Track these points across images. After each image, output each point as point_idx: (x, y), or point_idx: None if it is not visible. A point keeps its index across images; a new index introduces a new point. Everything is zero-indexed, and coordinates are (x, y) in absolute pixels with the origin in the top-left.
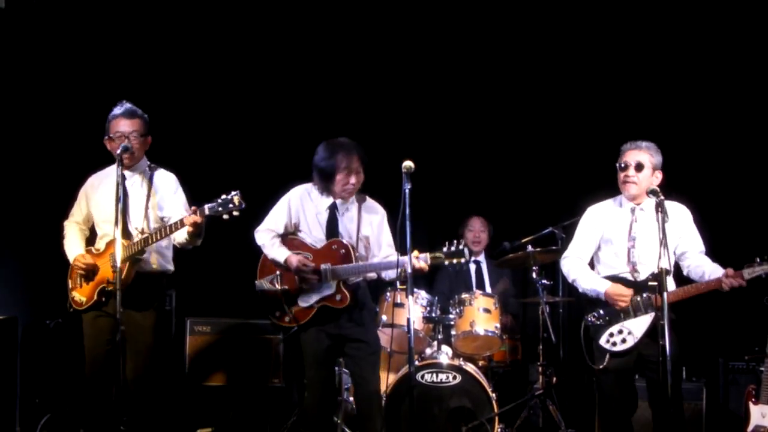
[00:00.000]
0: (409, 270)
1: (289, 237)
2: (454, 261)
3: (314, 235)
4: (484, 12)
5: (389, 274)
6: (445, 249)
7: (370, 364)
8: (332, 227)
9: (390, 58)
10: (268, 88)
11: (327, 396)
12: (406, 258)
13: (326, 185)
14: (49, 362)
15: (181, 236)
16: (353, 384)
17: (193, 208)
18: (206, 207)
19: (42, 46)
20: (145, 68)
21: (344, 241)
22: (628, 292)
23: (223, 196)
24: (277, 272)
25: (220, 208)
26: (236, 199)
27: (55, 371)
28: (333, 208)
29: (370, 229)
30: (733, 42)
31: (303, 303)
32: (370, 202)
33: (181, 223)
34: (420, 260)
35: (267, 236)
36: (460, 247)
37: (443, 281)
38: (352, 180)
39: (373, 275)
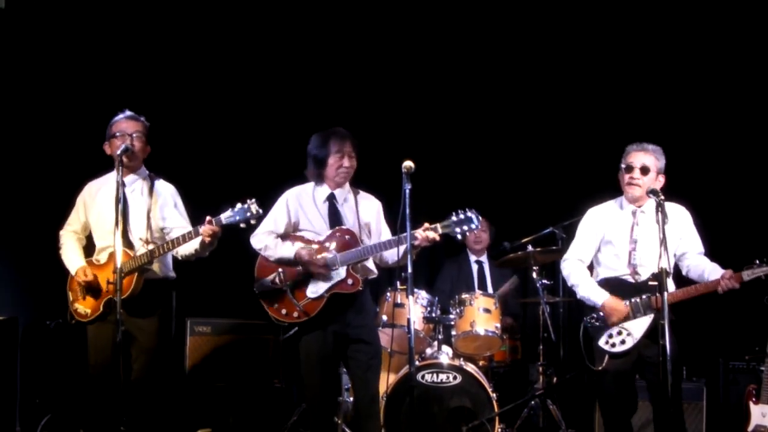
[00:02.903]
0: (416, 242)
1: (291, 235)
2: (465, 228)
3: (317, 229)
4: (484, 14)
5: (394, 257)
6: (454, 217)
7: (372, 367)
8: (334, 216)
9: (390, 58)
10: (265, 90)
11: (330, 397)
12: (416, 231)
13: (320, 172)
14: (49, 362)
15: (189, 248)
16: (353, 385)
17: (208, 218)
18: (222, 217)
19: (42, 46)
20: (143, 70)
21: (347, 227)
22: (624, 310)
23: (239, 205)
24: (279, 270)
25: (237, 217)
26: (254, 208)
27: (55, 371)
28: (331, 198)
29: (370, 216)
30: (733, 43)
31: (312, 294)
32: (364, 193)
33: (195, 233)
34: (431, 231)
35: (268, 238)
36: (469, 214)
37: (445, 281)
38: (345, 163)
39: (375, 274)
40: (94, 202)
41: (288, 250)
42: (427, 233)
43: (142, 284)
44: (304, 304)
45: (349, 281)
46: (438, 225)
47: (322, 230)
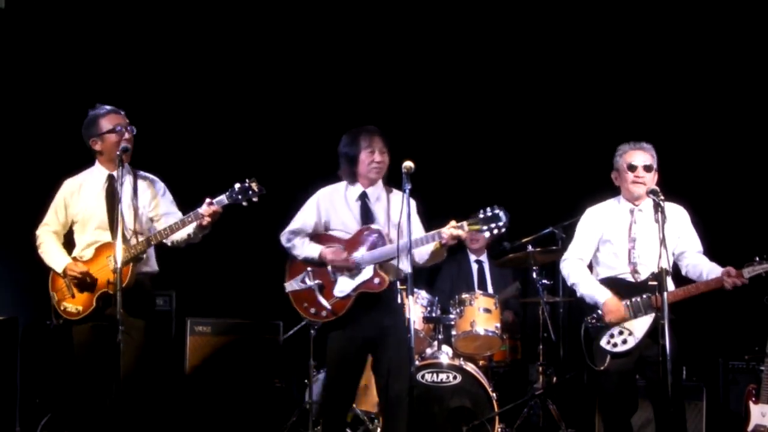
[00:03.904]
0: (443, 240)
1: (319, 235)
2: (492, 225)
3: (348, 228)
4: (484, 18)
5: (423, 256)
6: (481, 215)
7: (401, 368)
8: (366, 215)
9: (390, 58)
10: (268, 90)
11: (347, 397)
12: (442, 229)
13: (353, 169)
14: (49, 362)
15: (182, 234)
16: (380, 384)
17: (208, 200)
18: (224, 197)
19: (42, 46)
20: (147, 66)
21: (374, 226)
22: (624, 312)
23: (238, 185)
24: (308, 269)
25: (239, 196)
26: (254, 185)
27: (55, 371)
28: (363, 197)
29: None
30: (732, 42)
31: (340, 293)
32: (398, 192)
33: (196, 216)
34: (457, 229)
35: (296, 237)
36: (496, 211)
37: (445, 280)
38: (377, 158)
39: (408, 270)
40: (79, 198)
41: (313, 249)
42: (452, 231)
43: (135, 276)
44: (333, 303)
45: (376, 280)
46: (465, 223)
47: (353, 230)
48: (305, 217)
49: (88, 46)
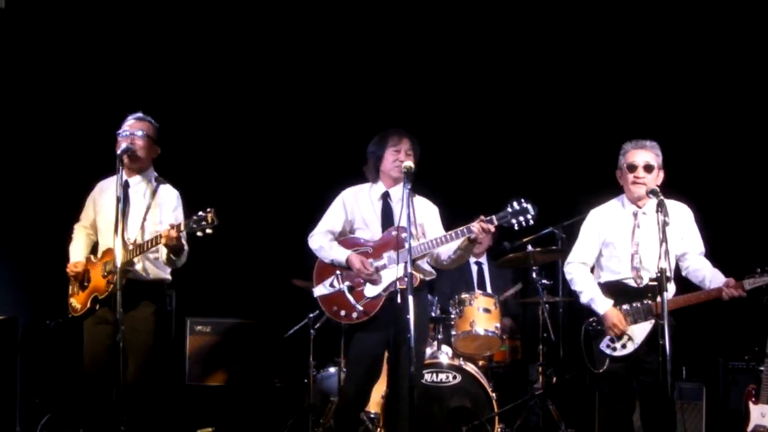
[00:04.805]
0: (473, 235)
1: (346, 238)
2: (521, 218)
3: (371, 228)
4: (484, 18)
5: (449, 253)
6: (509, 209)
7: (407, 369)
8: (387, 215)
9: (391, 57)
10: (272, 93)
11: (365, 398)
12: (471, 224)
13: (377, 166)
14: (49, 362)
15: (163, 254)
16: (390, 380)
17: (170, 224)
18: (182, 224)
19: (42, 46)
20: (151, 68)
21: (401, 225)
22: (623, 326)
23: (199, 213)
24: (337, 272)
25: (194, 225)
26: (210, 217)
27: (55, 371)
28: (386, 197)
29: (424, 217)
30: (736, 41)
31: (371, 293)
32: (421, 197)
33: (160, 238)
34: (487, 224)
35: (324, 239)
36: (525, 204)
37: (445, 281)
38: (402, 157)
39: (432, 275)
40: (101, 199)
41: (341, 253)
42: (482, 225)
43: (125, 282)
44: (364, 303)
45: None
46: (494, 217)
47: (376, 228)
48: (333, 217)
49: (89, 46)
